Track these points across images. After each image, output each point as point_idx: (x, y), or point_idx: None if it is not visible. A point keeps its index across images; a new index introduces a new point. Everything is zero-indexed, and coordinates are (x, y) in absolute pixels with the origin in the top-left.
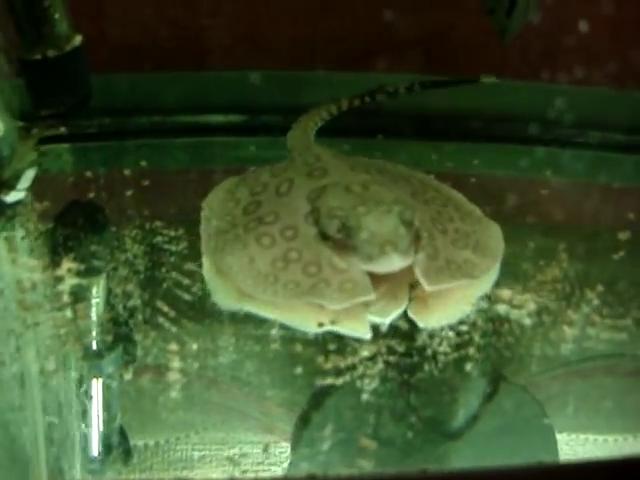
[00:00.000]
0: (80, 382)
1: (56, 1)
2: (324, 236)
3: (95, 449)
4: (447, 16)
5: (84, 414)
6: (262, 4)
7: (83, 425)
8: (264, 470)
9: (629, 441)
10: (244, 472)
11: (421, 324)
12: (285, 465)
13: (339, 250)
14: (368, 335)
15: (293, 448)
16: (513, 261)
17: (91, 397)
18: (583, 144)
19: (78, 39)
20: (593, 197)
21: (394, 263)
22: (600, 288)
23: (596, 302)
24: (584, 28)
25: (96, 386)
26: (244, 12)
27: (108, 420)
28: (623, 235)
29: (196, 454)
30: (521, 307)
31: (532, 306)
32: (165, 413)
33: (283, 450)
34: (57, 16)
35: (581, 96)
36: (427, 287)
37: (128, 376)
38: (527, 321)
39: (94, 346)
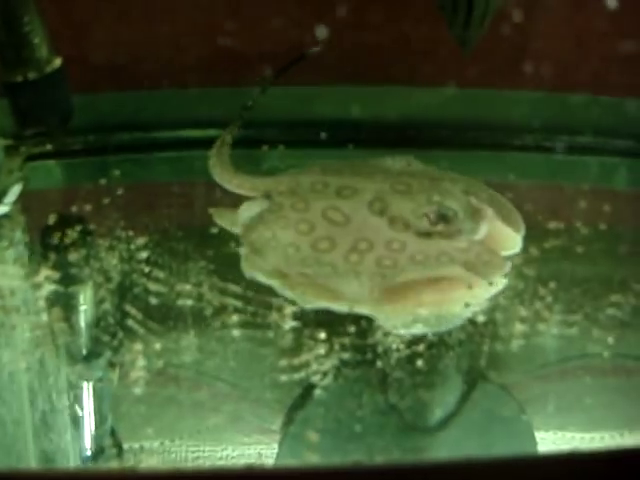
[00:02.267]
0: (67, 384)
1: (36, 26)
2: (426, 235)
3: (87, 449)
4: (409, 28)
5: (74, 415)
6: (237, 22)
7: (74, 426)
8: None
9: (616, 439)
10: None
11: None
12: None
13: (446, 238)
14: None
15: (280, 445)
16: None
17: (79, 400)
18: (550, 148)
19: (58, 62)
20: (559, 199)
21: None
22: (575, 286)
23: (572, 301)
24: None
25: (84, 388)
26: (218, 32)
27: (99, 422)
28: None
29: (190, 455)
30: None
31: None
32: (159, 416)
33: (274, 449)
34: (37, 40)
35: (547, 102)
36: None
37: (116, 378)
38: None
39: (78, 348)
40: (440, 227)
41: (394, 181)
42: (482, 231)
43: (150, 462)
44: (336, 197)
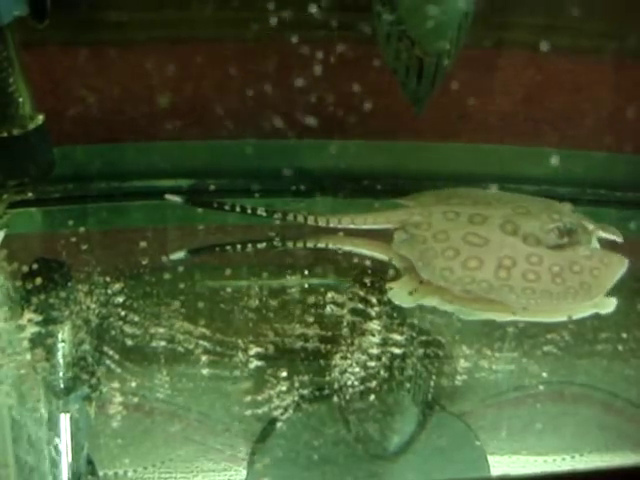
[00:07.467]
0: (48, 417)
1: (20, 86)
2: (556, 247)
3: (64, 477)
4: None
5: (52, 446)
6: (208, 79)
7: (52, 456)
8: None
9: (567, 460)
10: None
11: None
12: None
13: (571, 249)
14: None
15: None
16: None
17: (58, 430)
18: None
19: (40, 118)
20: None
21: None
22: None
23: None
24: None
25: (63, 420)
26: (189, 89)
27: (76, 451)
28: None
29: None
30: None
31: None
32: (132, 445)
33: (242, 476)
34: (21, 99)
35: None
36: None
37: (93, 411)
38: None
39: (59, 385)
40: (565, 240)
41: (513, 206)
42: (594, 241)
43: None
44: (470, 224)
